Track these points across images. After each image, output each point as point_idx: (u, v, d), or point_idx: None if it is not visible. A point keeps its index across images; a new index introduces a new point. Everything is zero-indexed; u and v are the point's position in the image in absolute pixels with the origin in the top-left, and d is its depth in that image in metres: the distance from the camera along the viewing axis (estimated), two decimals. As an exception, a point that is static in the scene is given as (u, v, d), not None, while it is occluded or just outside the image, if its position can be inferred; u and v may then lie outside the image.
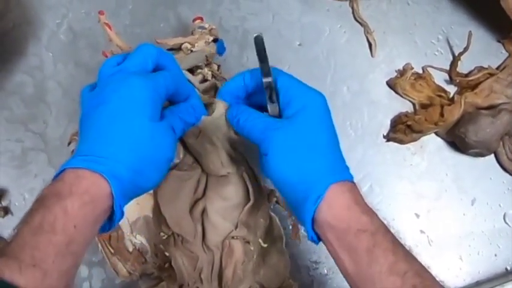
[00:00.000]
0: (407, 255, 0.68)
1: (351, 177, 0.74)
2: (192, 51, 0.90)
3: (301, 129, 0.73)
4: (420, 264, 0.68)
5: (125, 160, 0.66)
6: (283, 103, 0.76)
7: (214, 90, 0.90)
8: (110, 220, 0.68)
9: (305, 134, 0.73)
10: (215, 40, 0.92)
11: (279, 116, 0.77)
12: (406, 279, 0.65)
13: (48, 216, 0.60)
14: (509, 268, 1.06)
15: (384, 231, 0.69)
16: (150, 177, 0.70)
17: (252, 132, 0.76)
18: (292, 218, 0.92)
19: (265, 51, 0.77)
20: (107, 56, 0.87)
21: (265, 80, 0.76)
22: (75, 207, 0.62)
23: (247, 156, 0.90)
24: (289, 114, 0.74)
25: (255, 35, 0.77)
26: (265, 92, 0.77)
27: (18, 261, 0.57)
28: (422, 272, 0.66)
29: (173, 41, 0.90)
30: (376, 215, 0.71)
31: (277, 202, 0.93)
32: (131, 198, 0.70)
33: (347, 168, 0.75)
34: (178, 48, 0.91)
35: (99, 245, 0.93)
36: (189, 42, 0.90)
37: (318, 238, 0.73)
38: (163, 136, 0.70)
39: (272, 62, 0.78)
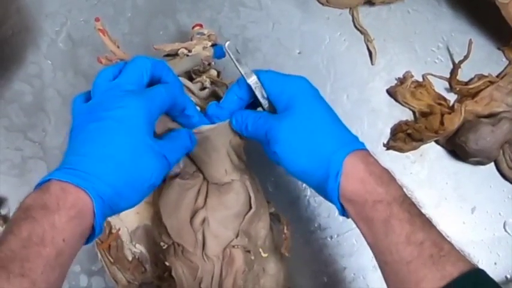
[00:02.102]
0: (425, 225, 0.69)
1: (362, 145, 0.76)
2: (188, 55, 0.90)
3: (297, 117, 0.76)
4: (438, 233, 0.69)
5: (108, 179, 0.66)
6: (272, 96, 0.80)
7: (214, 97, 0.90)
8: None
9: (303, 120, 0.76)
10: (213, 45, 0.92)
11: (273, 109, 0.80)
12: (423, 249, 0.66)
13: (36, 229, 0.60)
14: (509, 276, 1.06)
15: (401, 201, 0.70)
16: (129, 198, 0.70)
17: (258, 133, 0.79)
18: (285, 231, 0.92)
19: (239, 55, 0.82)
20: (101, 62, 0.86)
21: (249, 80, 0.81)
22: (63, 221, 0.62)
23: (250, 164, 0.90)
24: (282, 106, 0.78)
25: (225, 43, 0.82)
26: (254, 92, 0.81)
27: (7, 271, 0.58)
28: (439, 241, 0.67)
29: (170, 47, 0.90)
30: (394, 184, 0.72)
31: (271, 214, 0.93)
32: (107, 217, 0.70)
33: (355, 137, 0.77)
34: (175, 54, 0.90)
35: (99, 254, 0.93)
36: (185, 48, 0.90)
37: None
38: (150, 160, 0.70)
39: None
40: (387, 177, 0.73)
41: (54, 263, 0.61)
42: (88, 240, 0.68)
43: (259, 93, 0.81)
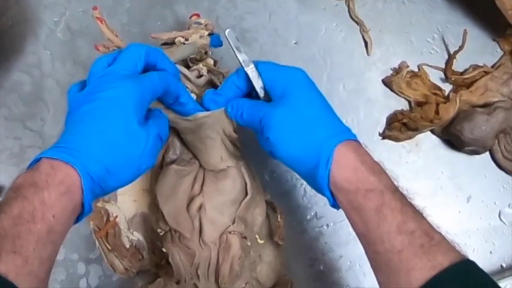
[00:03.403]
0: (416, 215, 0.69)
1: (354, 136, 0.76)
2: (185, 44, 0.90)
3: (292, 105, 0.77)
4: (428, 223, 0.69)
5: (97, 156, 0.67)
6: (269, 86, 0.81)
7: (210, 84, 0.91)
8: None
9: (297, 107, 0.76)
10: (210, 34, 0.93)
11: (269, 98, 0.81)
12: (414, 239, 0.66)
13: (27, 207, 0.61)
14: (504, 265, 1.07)
15: (393, 190, 0.70)
16: (119, 177, 0.71)
17: (253, 121, 0.79)
18: (279, 220, 0.93)
19: (238, 43, 0.83)
20: (99, 50, 0.87)
21: (247, 69, 0.81)
22: (53, 198, 0.63)
23: (247, 153, 0.91)
24: (277, 95, 0.79)
25: (226, 31, 0.82)
26: (251, 81, 0.82)
27: None
28: (430, 231, 0.68)
29: (167, 35, 0.91)
30: (385, 174, 0.72)
31: (266, 202, 0.93)
32: (98, 196, 0.71)
33: (347, 128, 0.77)
34: (172, 43, 0.91)
35: (96, 242, 0.93)
36: (182, 36, 0.90)
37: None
38: (140, 139, 0.71)
39: (268, 60, 0.83)
40: (378, 167, 0.73)
41: (45, 239, 0.62)
42: (78, 218, 0.68)
43: (255, 82, 0.81)
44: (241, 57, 0.82)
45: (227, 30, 0.82)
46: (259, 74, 0.81)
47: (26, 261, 0.59)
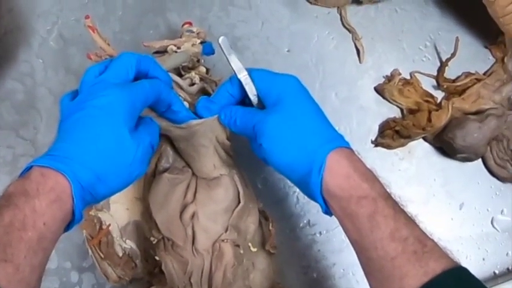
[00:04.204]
0: (409, 222, 0.69)
1: (347, 143, 0.77)
2: (177, 52, 0.90)
3: (285, 112, 0.77)
4: (421, 230, 0.69)
5: (87, 163, 0.67)
6: (262, 93, 0.81)
7: (203, 93, 0.91)
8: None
9: (291, 114, 0.77)
10: (202, 43, 0.93)
11: (262, 106, 0.81)
12: (407, 245, 0.66)
13: (18, 215, 0.61)
14: (497, 272, 1.07)
15: (385, 197, 0.71)
16: (110, 184, 0.71)
17: (246, 128, 0.79)
18: (270, 228, 0.93)
19: (232, 50, 0.83)
20: (91, 58, 0.87)
21: (240, 76, 0.82)
22: (43, 206, 0.63)
23: (240, 161, 0.91)
24: (270, 102, 0.79)
25: (219, 38, 0.83)
26: (245, 88, 0.82)
27: None
28: (423, 238, 0.68)
29: (159, 44, 0.91)
30: (378, 181, 0.73)
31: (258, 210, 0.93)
32: (89, 203, 0.71)
33: (340, 135, 0.78)
34: (164, 51, 0.91)
35: (89, 250, 0.93)
36: (175, 45, 0.90)
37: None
38: (130, 147, 0.71)
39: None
40: (371, 174, 0.73)
41: (36, 247, 0.62)
42: (69, 226, 0.68)
43: (249, 90, 0.82)
44: (234, 64, 0.82)
45: (221, 38, 0.83)
46: (253, 81, 0.82)
47: (17, 269, 0.59)
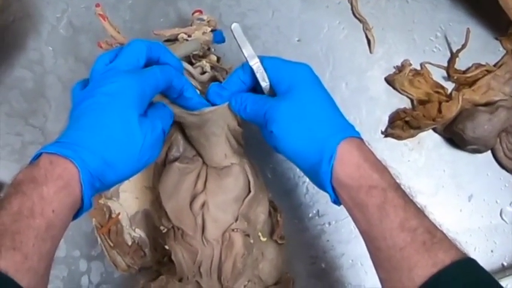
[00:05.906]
0: (418, 212, 0.69)
1: (357, 133, 0.76)
2: (187, 40, 0.90)
3: (297, 99, 0.77)
4: (430, 221, 0.69)
5: (96, 149, 0.67)
6: (274, 81, 0.81)
7: (213, 81, 0.91)
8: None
9: (302, 103, 0.77)
10: (213, 31, 0.93)
11: (273, 94, 0.81)
12: (416, 236, 0.66)
13: (26, 202, 0.61)
14: (505, 264, 1.07)
15: (395, 188, 0.71)
16: (119, 171, 0.71)
17: (257, 115, 0.79)
18: (278, 219, 0.93)
19: (244, 37, 0.83)
20: (101, 47, 0.87)
21: (252, 63, 0.82)
22: (51, 193, 0.63)
23: (249, 151, 0.91)
24: (282, 90, 0.79)
25: (232, 24, 0.83)
26: (256, 75, 0.82)
27: None
28: (432, 228, 0.68)
29: (170, 32, 0.90)
30: (388, 172, 0.73)
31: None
32: (98, 190, 0.71)
33: (351, 125, 0.78)
34: (175, 39, 0.91)
35: (98, 239, 0.93)
36: (185, 33, 0.90)
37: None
38: (140, 132, 0.71)
39: (271, 57, 0.82)
40: (381, 165, 0.73)
41: (45, 234, 0.62)
42: (78, 213, 0.69)
43: (260, 77, 0.81)
44: (247, 51, 0.82)
45: (233, 24, 0.83)
46: (265, 68, 0.82)
47: (26, 257, 0.59)
